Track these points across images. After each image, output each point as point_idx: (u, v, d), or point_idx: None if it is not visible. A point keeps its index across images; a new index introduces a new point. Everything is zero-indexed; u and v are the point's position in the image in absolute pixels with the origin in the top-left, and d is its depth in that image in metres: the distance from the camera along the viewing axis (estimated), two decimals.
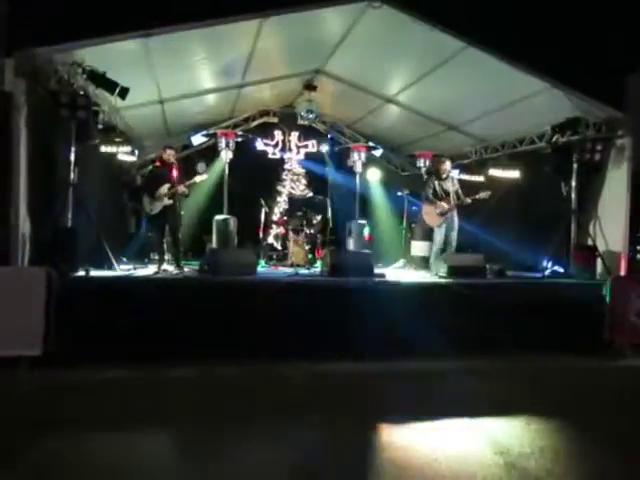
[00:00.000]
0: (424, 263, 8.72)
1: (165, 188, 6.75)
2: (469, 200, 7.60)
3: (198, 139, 10.25)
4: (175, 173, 6.78)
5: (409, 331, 5.98)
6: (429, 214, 7.95)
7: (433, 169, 8.36)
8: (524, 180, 8.73)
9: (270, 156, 11.16)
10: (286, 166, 10.85)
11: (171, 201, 6.75)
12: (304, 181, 10.59)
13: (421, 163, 9.19)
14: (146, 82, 7.33)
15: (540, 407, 4.46)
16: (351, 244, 8.50)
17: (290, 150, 11.22)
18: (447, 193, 7.82)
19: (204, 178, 7.11)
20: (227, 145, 7.92)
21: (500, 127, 8.92)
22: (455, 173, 8.64)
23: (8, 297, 4.96)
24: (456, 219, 7.88)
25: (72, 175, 6.05)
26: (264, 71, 8.54)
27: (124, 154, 8.19)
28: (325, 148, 11.10)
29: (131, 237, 9.45)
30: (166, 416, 4.11)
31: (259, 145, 10.92)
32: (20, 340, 4.91)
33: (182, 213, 6.89)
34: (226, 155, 7.96)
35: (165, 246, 7.01)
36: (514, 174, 8.77)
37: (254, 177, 10.34)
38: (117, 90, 5.75)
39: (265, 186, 10.60)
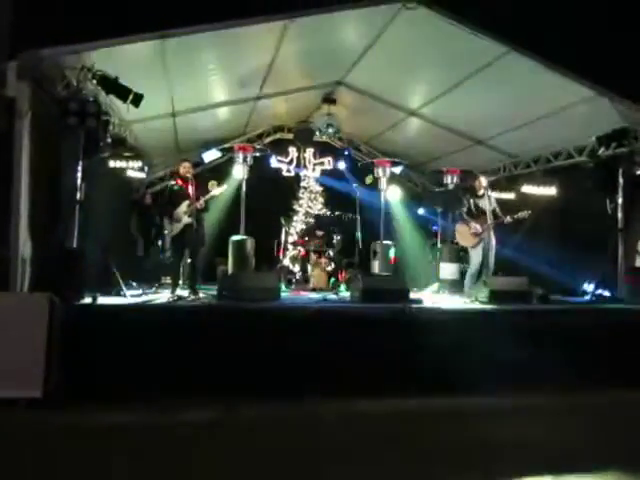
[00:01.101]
0: (454, 287, 8.11)
1: (184, 206, 6.18)
2: (509, 219, 7.02)
3: (210, 156, 9.68)
4: (192, 188, 6.22)
5: (454, 363, 5.36)
6: (463, 234, 7.38)
7: (468, 186, 7.79)
8: (561, 197, 8.15)
9: (284, 173, 10.62)
10: (302, 184, 10.28)
11: (190, 219, 6.16)
12: (321, 199, 10.01)
13: (448, 180, 8.62)
14: (159, 92, 6.80)
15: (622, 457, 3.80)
16: (376, 266, 7.87)
17: (305, 167, 10.69)
18: (483, 212, 7.25)
19: (223, 190, 6.54)
20: (244, 160, 7.35)
21: (533, 141, 8.38)
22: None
23: (4, 327, 4.33)
24: (493, 239, 7.29)
25: (79, 192, 5.46)
26: (283, 83, 8.04)
27: (134, 170, 7.63)
28: (342, 165, 10.57)
29: (140, 260, 8.84)
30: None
31: (273, 162, 10.40)
32: (16, 379, 4.25)
33: (204, 232, 6.29)
34: (243, 171, 7.38)
35: (181, 269, 6.40)
36: (550, 191, 8.20)
37: (268, 195, 9.78)
38: (130, 97, 5.20)
39: (280, 205, 10.03)
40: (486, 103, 7.87)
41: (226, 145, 8.97)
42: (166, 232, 6.39)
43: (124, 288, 5.71)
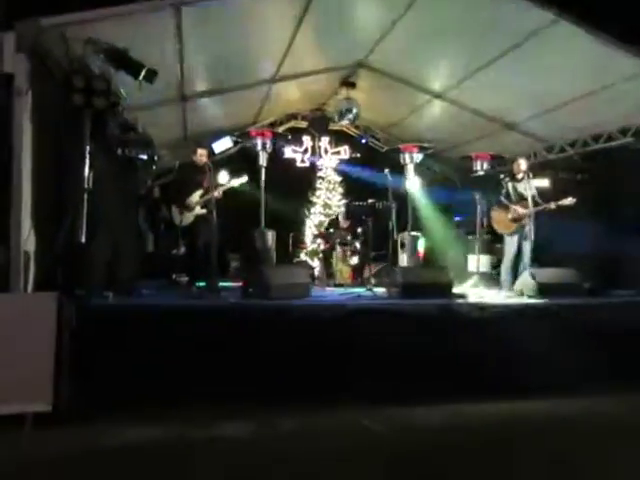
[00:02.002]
0: (487, 280, 7.56)
1: (197, 195, 5.63)
2: (553, 206, 6.47)
3: (221, 146, 9.10)
4: (207, 177, 5.66)
5: (511, 364, 4.84)
6: (500, 220, 6.82)
7: (505, 169, 7.23)
8: (602, 183, 7.58)
9: (299, 164, 10.07)
10: (320, 174, 9.72)
11: (204, 210, 5.62)
12: (340, 190, 9.44)
13: (478, 166, 8.03)
14: (170, 72, 6.22)
15: None
16: (404, 260, 7.31)
17: (321, 157, 10.13)
18: (522, 197, 6.70)
19: (243, 181, 5.97)
20: (263, 147, 6.77)
21: (569, 123, 7.78)
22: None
23: (6, 332, 3.78)
24: (532, 228, 6.73)
25: (87, 180, 4.89)
26: (301, 63, 7.45)
27: (143, 161, 7.05)
28: (359, 154, 10.04)
29: (149, 256, 8.28)
30: None
31: (287, 152, 9.84)
32: (22, 391, 3.72)
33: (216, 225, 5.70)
34: (262, 158, 6.81)
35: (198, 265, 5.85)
36: (589, 176, 7.64)
37: (282, 187, 9.22)
38: (143, 72, 4.63)
39: (295, 197, 9.48)
40: (519, 83, 7.26)
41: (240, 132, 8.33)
42: (175, 221, 5.80)
43: (139, 287, 5.14)
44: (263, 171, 6.77)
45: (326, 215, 9.07)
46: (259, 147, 6.78)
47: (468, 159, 8.27)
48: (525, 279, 5.92)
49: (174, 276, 6.98)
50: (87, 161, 4.86)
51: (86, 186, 4.87)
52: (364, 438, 3.98)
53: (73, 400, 3.91)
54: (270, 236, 6.67)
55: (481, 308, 5.03)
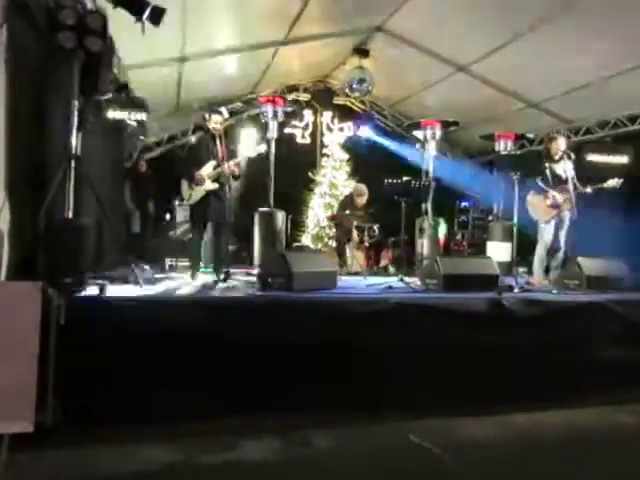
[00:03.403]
0: (506, 270, 6.95)
1: (210, 167, 4.82)
2: (589, 190, 5.87)
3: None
4: (222, 147, 4.84)
5: (574, 368, 4.25)
6: (537, 206, 6.16)
7: (542, 149, 6.58)
8: (636, 166, 7.02)
9: (299, 140, 9.25)
10: (325, 151, 8.92)
11: (216, 185, 4.81)
12: (347, 169, 8.68)
13: (501, 146, 7.37)
14: (169, 25, 5.33)
15: None
16: (424, 247, 6.62)
17: (322, 134, 9.34)
18: (560, 180, 6.07)
19: (262, 151, 5.16)
20: (274, 116, 5.94)
21: (601, 103, 7.21)
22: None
23: None
24: (569, 214, 6.13)
25: (74, 144, 4.01)
26: (317, 23, 6.62)
27: (133, 127, 6.17)
28: (366, 131, 9.28)
29: (135, 238, 7.39)
30: None
31: (287, 127, 9.02)
32: None
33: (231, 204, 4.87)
34: (273, 129, 5.98)
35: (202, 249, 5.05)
36: (622, 159, 7.08)
37: (282, 165, 8.43)
38: (148, 11, 3.76)
39: (295, 175, 8.67)
40: (546, 60, 6.69)
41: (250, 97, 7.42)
42: (184, 196, 4.98)
43: (137, 274, 4.31)
44: (273, 144, 5.94)
45: (332, 196, 8.32)
46: (269, 116, 5.94)
47: (490, 138, 7.60)
48: (570, 270, 5.30)
49: (170, 261, 6.15)
50: (75, 120, 3.98)
51: (73, 151, 4.00)
52: (417, 458, 3.32)
53: (61, 417, 3.13)
54: (281, 217, 5.89)
55: (534, 304, 4.39)
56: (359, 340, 3.90)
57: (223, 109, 8.08)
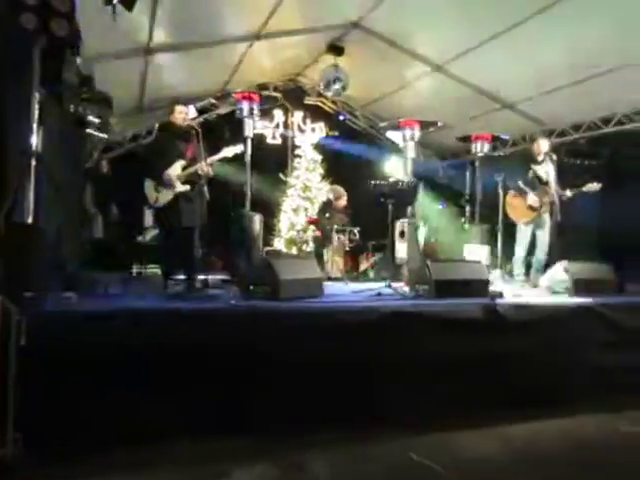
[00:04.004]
0: None
1: (178, 167, 4.45)
2: (569, 193, 5.84)
3: None
4: (192, 145, 4.48)
5: (571, 374, 4.14)
6: (516, 207, 6.11)
7: (524, 150, 6.52)
8: (612, 171, 7.06)
9: (269, 140, 8.93)
10: (298, 152, 8.63)
11: (187, 187, 4.46)
12: (320, 170, 8.41)
13: (477, 148, 7.27)
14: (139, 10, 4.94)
15: None
16: (404, 250, 6.43)
17: (294, 134, 9.05)
18: (542, 182, 6.02)
19: (237, 151, 4.82)
20: (251, 113, 5.61)
21: (575, 105, 7.23)
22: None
23: None
24: (547, 216, 6.09)
25: (35, 140, 3.60)
26: (293, 17, 6.34)
27: (95, 125, 5.69)
28: (336, 132, 9.08)
29: (97, 244, 6.88)
30: None
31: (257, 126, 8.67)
32: None
33: (205, 207, 4.50)
34: (249, 127, 5.65)
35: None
36: (597, 162, 7.11)
37: (253, 166, 8.10)
38: None
39: (266, 177, 8.34)
40: (522, 60, 6.63)
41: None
42: (149, 199, 4.60)
43: (106, 283, 3.91)
44: (249, 143, 5.62)
45: (306, 198, 8.04)
46: (245, 113, 5.61)
47: (466, 140, 7.49)
48: (556, 273, 5.22)
49: (138, 268, 5.72)
50: (35, 114, 3.57)
51: (34, 148, 3.58)
52: (419, 478, 3.10)
53: (24, 449, 2.74)
54: (258, 220, 5.57)
55: (528, 309, 4.25)
56: (354, 353, 3.66)
57: (191, 107, 7.72)
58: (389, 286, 4.76)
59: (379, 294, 4.52)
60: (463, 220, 7.04)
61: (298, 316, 3.58)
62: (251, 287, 3.99)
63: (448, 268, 4.54)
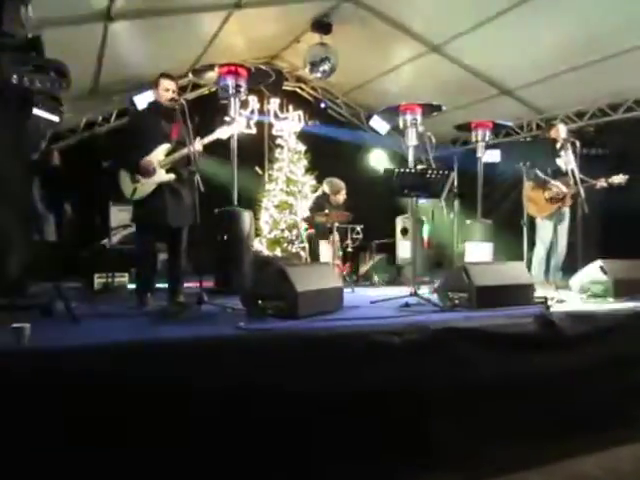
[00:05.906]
0: None
1: (161, 152, 3.55)
2: (604, 183, 5.29)
3: (145, 99, 6.81)
4: (178, 124, 3.58)
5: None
6: (535, 200, 5.52)
7: (542, 137, 5.94)
8: (621, 159, 6.58)
9: (244, 129, 8.02)
10: (280, 141, 7.76)
11: (172, 176, 3.56)
12: (304, 162, 7.57)
13: (479, 136, 6.65)
14: None
15: None
16: (406, 249, 5.73)
17: (271, 123, 8.20)
18: (561, 172, 5.44)
19: (234, 132, 3.93)
20: (237, 91, 4.71)
21: (579, 91, 6.74)
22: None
23: None
24: (567, 210, 5.55)
25: None
26: None
27: (45, 105, 4.65)
28: (317, 121, 8.30)
29: (50, 250, 5.80)
30: None
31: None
32: None
33: (195, 201, 3.54)
34: (235, 108, 4.75)
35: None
36: (605, 151, 6.63)
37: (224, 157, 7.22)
38: None
39: (246, 171, 7.47)
40: (525, 42, 6.14)
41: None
42: (124, 192, 3.68)
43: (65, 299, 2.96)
44: (236, 127, 4.71)
45: (289, 193, 7.20)
46: (230, 91, 4.69)
47: (464, 128, 6.85)
48: (591, 274, 4.61)
49: (102, 278, 4.74)
50: None
51: None
52: None
53: None
54: (248, 218, 4.70)
55: (586, 318, 3.61)
56: (395, 382, 2.89)
57: (148, 93, 6.78)
58: (416, 294, 3.99)
59: (407, 305, 3.76)
60: (452, 215, 6.39)
61: (329, 340, 2.76)
62: (259, 302, 3.14)
63: (487, 272, 3.83)
